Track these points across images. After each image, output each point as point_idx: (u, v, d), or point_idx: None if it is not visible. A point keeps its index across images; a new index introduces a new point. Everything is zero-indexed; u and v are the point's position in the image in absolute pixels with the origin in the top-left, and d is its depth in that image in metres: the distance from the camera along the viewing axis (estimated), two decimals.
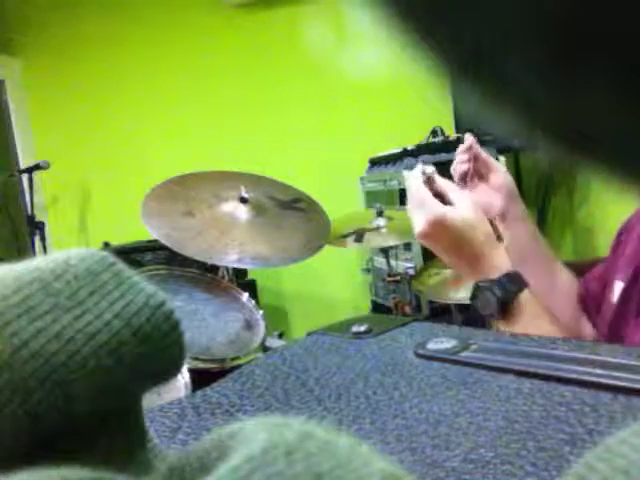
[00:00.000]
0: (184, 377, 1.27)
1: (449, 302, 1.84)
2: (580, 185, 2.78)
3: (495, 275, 0.75)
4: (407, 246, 2.45)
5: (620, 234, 0.88)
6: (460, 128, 2.73)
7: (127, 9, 3.28)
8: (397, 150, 2.58)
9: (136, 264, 2.41)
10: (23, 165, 3.29)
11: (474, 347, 0.44)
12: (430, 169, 0.83)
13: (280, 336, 1.90)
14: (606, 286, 0.84)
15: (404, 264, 2.40)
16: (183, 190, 1.68)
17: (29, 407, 0.18)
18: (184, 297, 1.54)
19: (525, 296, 0.74)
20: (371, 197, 2.70)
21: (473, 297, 0.77)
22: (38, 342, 0.18)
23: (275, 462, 0.14)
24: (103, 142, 3.37)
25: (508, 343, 0.45)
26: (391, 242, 2.03)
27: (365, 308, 2.88)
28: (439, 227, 0.76)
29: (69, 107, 3.42)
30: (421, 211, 0.78)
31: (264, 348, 1.49)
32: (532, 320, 0.74)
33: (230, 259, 1.53)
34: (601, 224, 2.65)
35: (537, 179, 2.73)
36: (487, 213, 0.81)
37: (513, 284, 0.75)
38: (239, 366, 0.47)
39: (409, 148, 2.53)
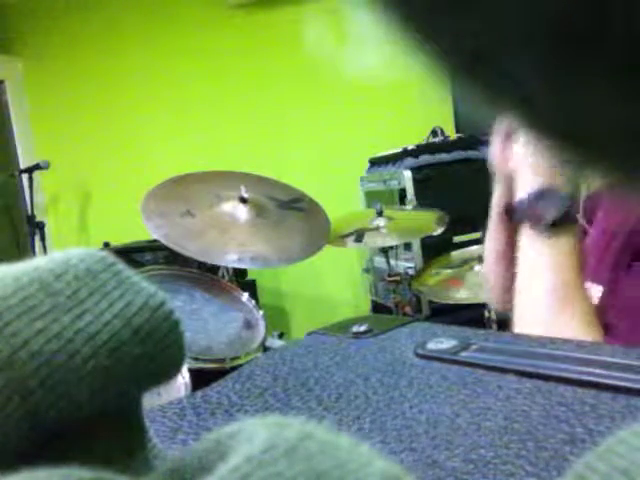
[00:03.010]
0: (184, 377, 1.27)
1: (449, 302, 1.84)
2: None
3: (563, 190, 0.76)
4: (407, 246, 2.45)
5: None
6: (460, 128, 2.73)
7: (127, 9, 3.28)
8: (397, 150, 2.58)
9: (136, 264, 2.41)
10: (23, 165, 3.29)
11: (474, 347, 0.44)
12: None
13: (280, 336, 1.90)
14: None
15: (404, 264, 2.41)
16: (183, 190, 1.68)
17: (29, 407, 0.18)
18: (184, 297, 1.54)
19: (570, 230, 0.75)
20: (371, 197, 2.70)
21: (531, 201, 0.77)
22: (38, 342, 0.18)
23: (275, 462, 0.14)
24: (103, 142, 3.37)
25: (508, 343, 0.45)
26: (391, 242, 2.03)
27: (365, 308, 2.88)
28: None
29: (69, 107, 3.42)
30: None
31: (264, 348, 1.49)
32: (561, 250, 0.75)
33: (230, 259, 1.53)
34: None
35: None
36: None
37: (574, 210, 0.76)
38: (239, 366, 0.47)
39: (409, 148, 2.53)
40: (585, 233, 0.86)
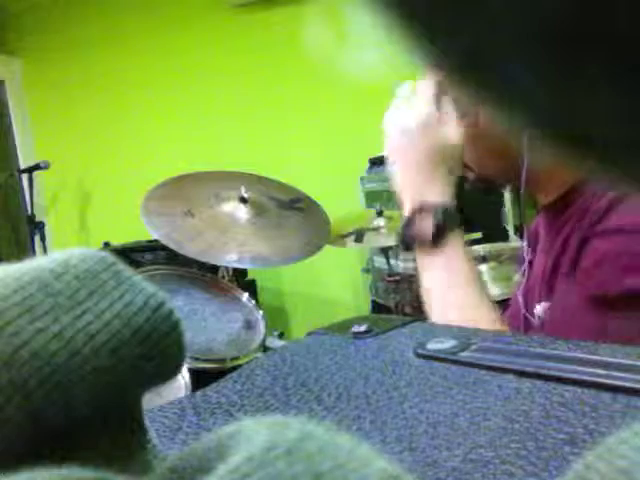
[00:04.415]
0: (184, 377, 1.27)
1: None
2: None
3: (436, 201, 0.78)
4: None
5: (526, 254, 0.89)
6: None
7: (127, 9, 3.28)
8: None
9: (136, 264, 2.41)
10: (23, 165, 3.29)
11: (474, 347, 0.44)
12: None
13: (280, 336, 1.90)
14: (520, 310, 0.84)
15: (404, 264, 2.40)
16: (183, 190, 1.68)
17: (29, 407, 0.18)
18: (184, 297, 1.54)
19: (456, 234, 0.77)
20: (371, 197, 2.70)
21: (410, 220, 0.80)
22: (38, 342, 0.18)
23: (275, 462, 0.14)
24: (103, 142, 3.37)
25: (508, 343, 0.45)
26: (391, 242, 2.03)
27: (365, 308, 2.88)
28: (429, 130, 0.80)
29: (69, 107, 3.42)
30: (411, 113, 0.83)
31: (264, 348, 1.49)
32: (452, 257, 0.78)
33: (230, 259, 1.53)
34: None
35: None
36: None
37: (453, 216, 0.78)
38: (239, 366, 0.47)
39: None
40: (531, 263, 0.87)
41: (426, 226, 0.78)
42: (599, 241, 0.69)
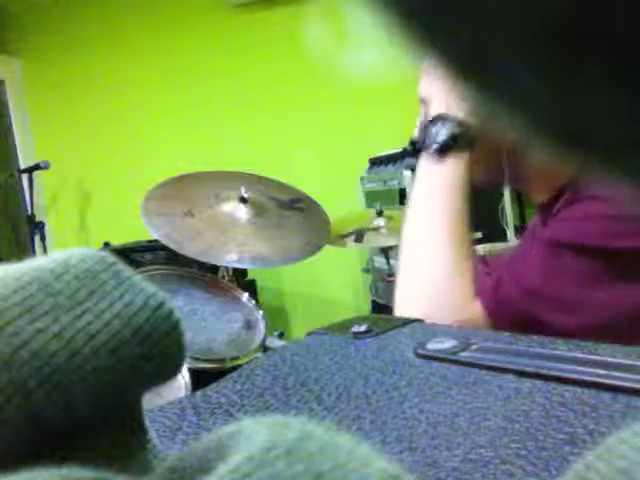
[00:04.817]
0: (184, 377, 1.27)
1: None
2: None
3: (458, 116, 0.78)
4: None
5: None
6: None
7: (127, 9, 3.28)
8: (397, 150, 2.58)
9: (136, 264, 2.41)
10: (23, 165, 3.29)
11: (474, 347, 0.44)
12: None
13: (280, 336, 1.90)
14: None
15: None
16: (183, 190, 1.68)
17: (29, 407, 0.18)
18: (184, 297, 1.54)
19: (461, 155, 0.77)
20: (371, 197, 2.70)
21: (427, 125, 0.79)
22: (38, 342, 0.18)
23: (275, 462, 0.14)
24: (103, 142, 3.37)
25: (508, 343, 0.45)
26: (391, 242, 2.03)
27: (365, 308, 2.88)
28: None
29: (69, 107, 3.42)
30: None
31: (264, 348, 1.49)
32: (445, 172, 0.77)
33: (230, 259, 1.53)
34: None
35: None
36: None
37: (465, 135, 0.77)
38: (239, 366, 0.47)
39: (409, 148, 2.53)
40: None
41: (439, 135, 0.77)
42: (581, 204, 0.70)
